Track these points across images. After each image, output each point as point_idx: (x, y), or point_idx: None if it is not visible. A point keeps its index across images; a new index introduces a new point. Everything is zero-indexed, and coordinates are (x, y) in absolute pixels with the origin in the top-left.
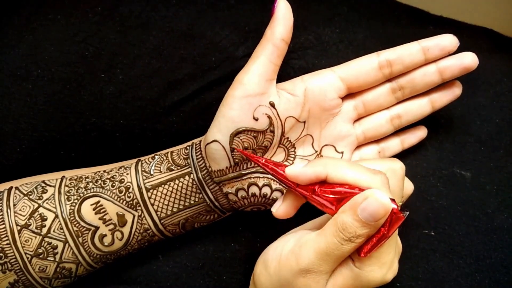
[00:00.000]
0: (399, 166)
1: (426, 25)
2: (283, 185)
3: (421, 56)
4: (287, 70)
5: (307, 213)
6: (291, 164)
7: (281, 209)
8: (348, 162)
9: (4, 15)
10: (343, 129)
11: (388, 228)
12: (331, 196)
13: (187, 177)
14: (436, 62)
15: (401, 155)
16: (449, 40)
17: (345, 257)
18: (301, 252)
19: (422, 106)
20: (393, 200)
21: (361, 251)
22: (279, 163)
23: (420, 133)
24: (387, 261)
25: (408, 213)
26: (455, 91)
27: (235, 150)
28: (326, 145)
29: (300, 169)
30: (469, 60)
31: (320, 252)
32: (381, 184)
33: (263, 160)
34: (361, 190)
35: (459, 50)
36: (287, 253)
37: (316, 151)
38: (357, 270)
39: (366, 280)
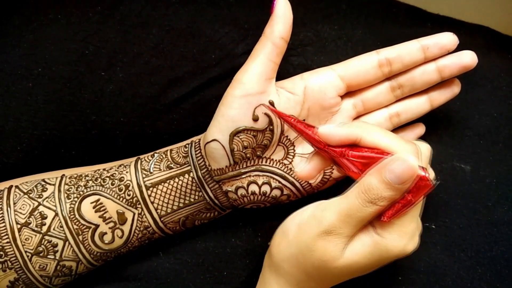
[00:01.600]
0: (425, 147)
1: (424, 22)
2: (312, 146)
3: (420, 54)
4: (286, 67)
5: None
6: (290, 163)
7: (306, 169)
8: (382, 129)
9: (5, 15)
10: None
11: (415, 194)
12: (360, 160)
13: (186, 175)
14: (435, 61)
15: None
16: (448, 39)
17: (367, 223)
18: (323, 214)
19: (421, 105)
20: (423, 168)
21: (383, 215)
22: (309, 124)
23: (418, 131)
24: (408, 231)
25: (438, 182)
26: (454, 90)
27: (267, 105)
28: None
29: (333, 128)
30: (468, 58)
31: (342, 213)
32: (413, 153)
33: (293, 120)
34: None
35: (457, 48)
36: (307, 217)
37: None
38: (377, 237)
39: (385, 248)
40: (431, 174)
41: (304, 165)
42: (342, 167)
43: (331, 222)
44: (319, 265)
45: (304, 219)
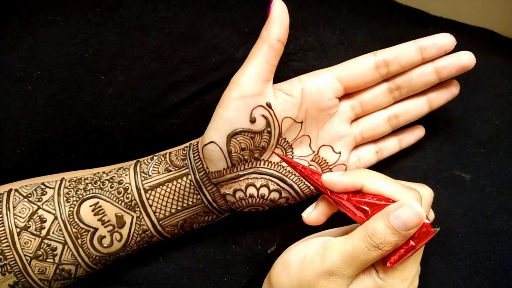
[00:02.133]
0: (428, 192)
1: (426, 26)
2: (316, 191)
3: (418, 55)
4: (287, 72)
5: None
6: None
7: (313, 215)
8: (385, 176)
9: (4, 16)
10: (340, 129)
11: (418, 241)
12: (364, 207)
13: (185, 178)
14: (433, 62)
15: (401, 157)
16: (446, 39)
17: (369, 266)
18: (327, 254)
19: (419, 106)
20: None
21: (387, 260)
22: (315, 171)
23: (418, 132)
24: (410, 276)
25: (439, 229)
26: (453, 90)
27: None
28: (323, 145)
29: (336, 177)
30: (466, 59)
31: (346, 255)
32: (416, 200)
33: (300, 166)
34: (394, 202)
35: (459, 50)
36: (311, 254)
37: (314, 152)
38: (380, 281)
39: None
40: (431, 216)
41: (311, 210)
42: (347, 213)
43: (334, 263)
44: None
45: (309, 255)
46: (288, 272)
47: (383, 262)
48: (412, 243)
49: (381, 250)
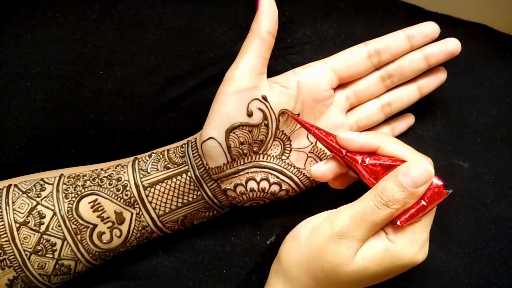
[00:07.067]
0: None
1: (423, 21)
2: (331, 152)
3: (406, 43)
4: (285, 65)
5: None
6: (287, 158)
7: (321, 169)
8: (399, 141)
9: (3, 14)
10: (337, 120)
11: (429, 201)
12: (377, 168)
13: (184, 175)
14: (421, 49)
15: None
16: (431, 27)
17: (379, 228)
18: (336, 218)
19: (410, 93)
20: (438, 177)
21: (398, 219)
22: (329, 132)
23: (409, 120)
24: (420, 239)
25: (452, 191)
26: (441, 77)
27: (290, 112)
28: None
29: (353, 134)
30: (452, 45)
31: (356, 216)
32: (429, 162)
33: (314, 128)
34: None
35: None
36: (321, 221)
37: (312, 143)
38: (389, 244)
39: (396, 255)
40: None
41: (320, 165)
42: (359, 175)
43: (344, 224)
44: (328, 269)
45: (318, 223)
46: (298, 244)
47: (393, 222)
48: (423, 203)
49: (390, 208)
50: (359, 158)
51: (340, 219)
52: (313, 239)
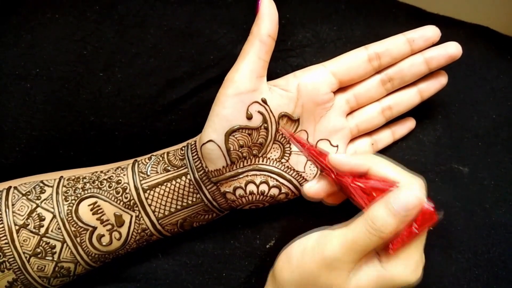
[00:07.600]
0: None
1: (424, 23)
2: (322, 171)
3: (407, 47)
4: (285, 68)
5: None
6: (287, 161)
7: (314, 188)
8: (390, 162)
9: (2, 14)
10: (337, 123)
11: (420, 226)
12: (368, 191)
13: (184, 178)
14: (422, 53)
15: (400, 151)
16: (432, 31)
17: (372, 255)
18: (327, 241)
19: (411, 97)
20: (430, 199)
21: (389, 247)
22: (322, 151)
23: (409, 124)
24: (413, 262)
25: (442, 213)
26: (441, 80)
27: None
28: (321, 139)
29: (344, 157)
30: (453, 49)
31: (346, 241)
32: (420, 185)
33: (307, 146)
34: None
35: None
36: (312, 243)
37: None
38: (382, 270)
39: (390, 279)
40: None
41: (312, 183)
42: (350, 196)
43: (334, 250)
44: None
45: (309, 246)
46: (290, 265)
47: (386, 249)
48: (415, 229)
49: (381, 233)
50: (349, 180)
51: (330, 243)
52: (304, 263)
